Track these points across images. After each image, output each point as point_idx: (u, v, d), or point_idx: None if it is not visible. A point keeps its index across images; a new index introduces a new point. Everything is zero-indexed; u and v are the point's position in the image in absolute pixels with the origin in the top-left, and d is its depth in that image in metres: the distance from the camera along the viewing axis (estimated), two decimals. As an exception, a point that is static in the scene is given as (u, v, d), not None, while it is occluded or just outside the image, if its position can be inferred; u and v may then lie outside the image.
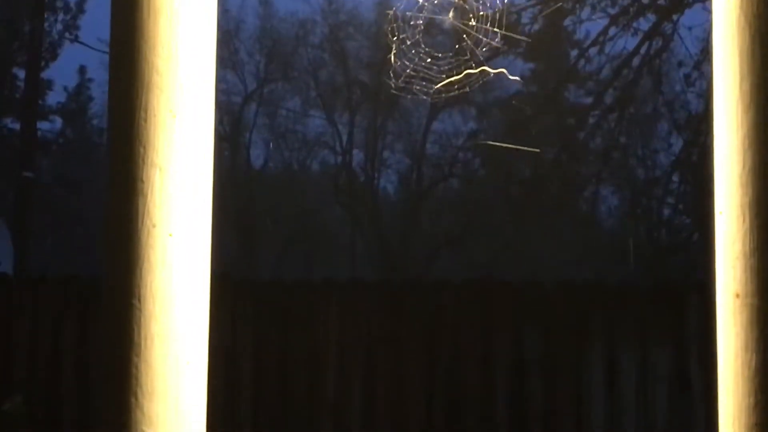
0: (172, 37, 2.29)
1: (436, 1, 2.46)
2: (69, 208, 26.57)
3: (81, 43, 27.58)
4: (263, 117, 29.85)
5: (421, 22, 2.46)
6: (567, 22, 19.46)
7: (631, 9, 17.72)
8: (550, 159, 19.44)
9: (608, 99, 19.48)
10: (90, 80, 29.63)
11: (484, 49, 2.37)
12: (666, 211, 23.96)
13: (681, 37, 18.71)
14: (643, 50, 17.92)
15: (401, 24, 2.48)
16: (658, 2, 17.65)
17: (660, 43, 17.96)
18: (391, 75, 2.61)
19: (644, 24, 17.97)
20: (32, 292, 10.71)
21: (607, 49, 18.57)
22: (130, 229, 2.24)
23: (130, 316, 2.22)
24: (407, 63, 2.50)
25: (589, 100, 21.22)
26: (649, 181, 23.93)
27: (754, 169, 1.97)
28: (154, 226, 2.24)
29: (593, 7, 18.02)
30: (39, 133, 24.54)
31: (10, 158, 22.54)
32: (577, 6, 17.92)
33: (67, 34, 27.61)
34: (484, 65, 2.38)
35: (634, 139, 23.57)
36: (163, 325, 2.23)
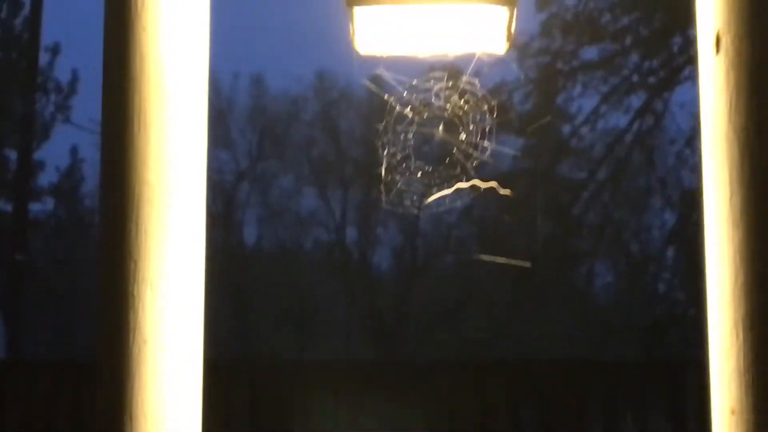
0: (162, 151, 2.29)
1: (425, 116, 2.48)
2: (62, 289, 26.50)
3: (73, 123, 27.68)
4: (256, 195, 29.88)
5: (411, 136, 2.49)
6: (559, 99, 19.58)
7: (622, 87, 17.85)
8: (544, 235, 19.48)
9: (601, 175, 19.57)
10: (82, 160, 29.63)
11: (474, 163, 2.38)
12: (661, 286, 23.97)
13: (672, 114, 18.81)
14: (634, 127, 18.04)
15: (391, 138, 2.50)
16: (649, 80, 17.78)
17: (652, 120, 18.07)
18: (382, 189, 2.63)
19: (636, 101, 18.11)
20: (25, 375, 10.66)
21: (599, 126, 18.71)
22: (121, 345, 2.23)
23: (123, 434, 2.21)
24: (398, 177, 2.52)
25: (582, 174, 21.29)
26: (644, 256, 23.94)
27: (746, 284, 1.97)
28: (145, 342, 2.23)
29: (584, 85, 18.15)
30: (31, 214, 24.53)
31: (2, 240, 22.52)
32: (569, 84, 18.05)
33: (59, 115, 27.71)
34: (473, 178, 2.40)
35: (627, 214, 23.61)
36: (155, 442, 2.21)
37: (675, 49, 17.66)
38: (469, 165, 2.46)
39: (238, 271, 26.36)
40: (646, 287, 24.19)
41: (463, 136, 2.44)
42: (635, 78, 17.93)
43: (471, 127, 2.43)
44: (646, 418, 10.08)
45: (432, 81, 2.38)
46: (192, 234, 2.32)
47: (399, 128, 2.49)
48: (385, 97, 2.42)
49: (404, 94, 2.42)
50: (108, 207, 2.31)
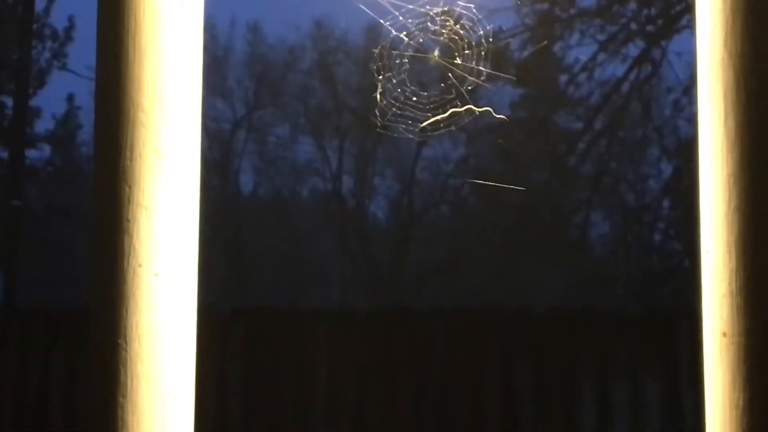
0: (157, 75, 2.28)
1: (421, 40, 2.47)
2: (58, 237, 26.50)
3: (69, 70, 27.55)
4: (252, 143, 29.82)
5: (407, 60, 2.47)
6: (556, 47, 19.53)
7: (620, 35, 17.79)
8: (540, 185, 19.48)
9: (598, 124, 19.55)
10: (78, 108, 29.49)
11: (469, 87, 2.37)
12: (657, 237, 24.00)
13: (670, 63, 18.78)
14: (632, 76, 17.99)
15: (386, 63, 2.49)
16: (647, 29, 17.73)
17: (649, 69, 18.03)
18: (377, 113, 2.62)
19: (633, 50, 18.05)
20: (20, 324, 10.66)
21: (596, 75, 18.67)
22: (115, 269, 2.23)
23: (116, 357, 2.21)
24: (393, 101, 2.51)
25: (579, 125, 21.28)
26: (640, 206, 23.95)
27: (739, 208, 1.97)
28: (139, 265, 2.23)
29: (582, 33, 18.09)
30: (27, 161, 24.47)
31: (-2, 187, 22.47)
32: (566, 32, 17.99)
33: (55, 62, 27.58)
34: (470, 104, 2.39)
35: (624, 165, 23.60)
36: (149, 365, 2.22)
37: (673, -4, 17.60)
38: (464, 89, 2.46)
39: (234, 219, 26.37)
40: (641, 238, 24.23)
41: (458, 60, 2.44)
42: (633, 26, 17.88)
43: (467, 52, 2.43)
44: (639, 370, 10.12)
45: (427, 5, 2.37)
46: (187, 159, 2.31)
47: (395, 52, 2.48)
48: (381, 21, 2.41)
49: (399, 19, 2.41)
50: (102, 131, 2.30)
